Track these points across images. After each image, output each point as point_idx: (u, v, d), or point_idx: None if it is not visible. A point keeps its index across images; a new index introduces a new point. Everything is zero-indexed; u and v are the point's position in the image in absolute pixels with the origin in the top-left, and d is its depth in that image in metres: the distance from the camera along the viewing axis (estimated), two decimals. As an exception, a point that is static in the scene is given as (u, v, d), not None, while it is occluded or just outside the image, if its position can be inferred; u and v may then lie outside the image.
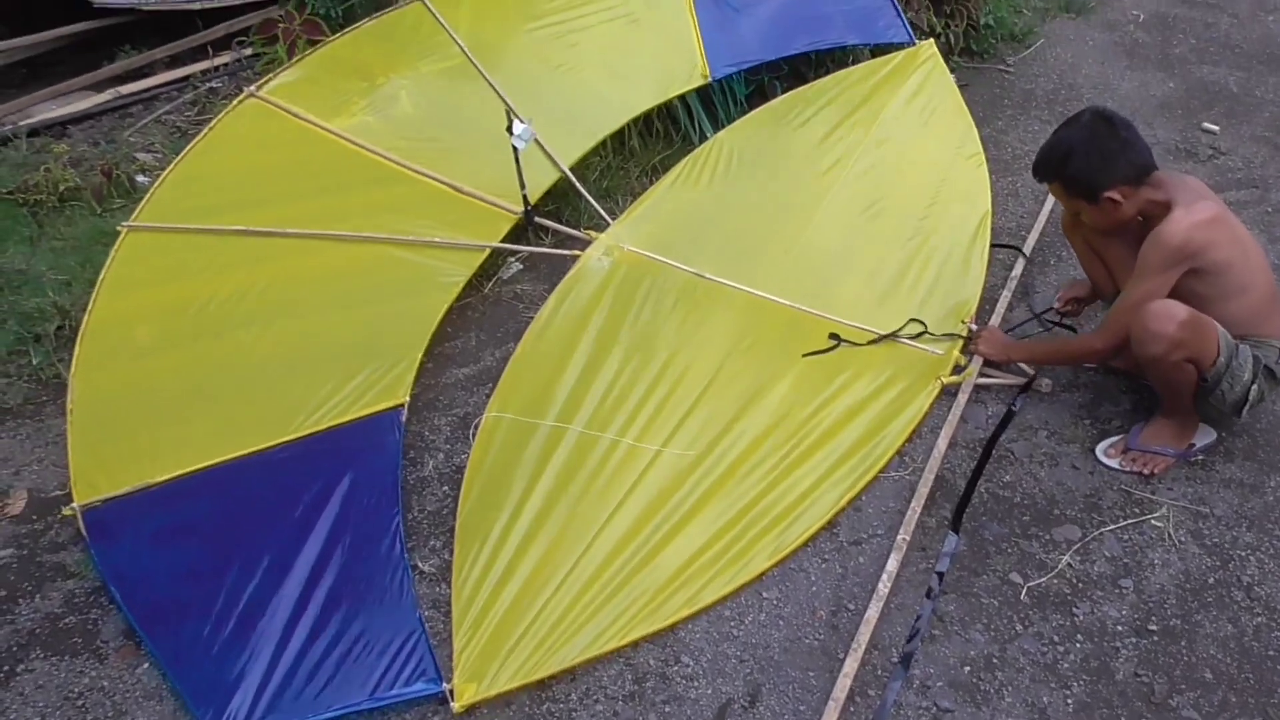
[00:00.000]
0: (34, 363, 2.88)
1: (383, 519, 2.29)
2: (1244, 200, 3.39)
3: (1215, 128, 3.82)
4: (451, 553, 2.26)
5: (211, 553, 2.27)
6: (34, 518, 2.47)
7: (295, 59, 3.58)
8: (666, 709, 1.99)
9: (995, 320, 2.87)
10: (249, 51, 4.29)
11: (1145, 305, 2.23)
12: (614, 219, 3.16)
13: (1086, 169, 2.29)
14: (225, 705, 1.98)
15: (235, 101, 3.38)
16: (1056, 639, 2.09)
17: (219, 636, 2.10)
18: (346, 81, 3.46)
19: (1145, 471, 2.41)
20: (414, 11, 3.63)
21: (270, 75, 3.47)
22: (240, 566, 2.22)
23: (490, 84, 3.40)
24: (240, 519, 2.34)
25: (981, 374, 2.67)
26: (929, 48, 3.75)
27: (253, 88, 3.40)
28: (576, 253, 3.04)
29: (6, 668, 2.11)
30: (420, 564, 2.29)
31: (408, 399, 2.55)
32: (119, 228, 3.05)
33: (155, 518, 2.34)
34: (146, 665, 2.11)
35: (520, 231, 3.20)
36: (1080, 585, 2.19)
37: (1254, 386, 2.30)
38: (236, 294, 2.85)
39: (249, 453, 2.45)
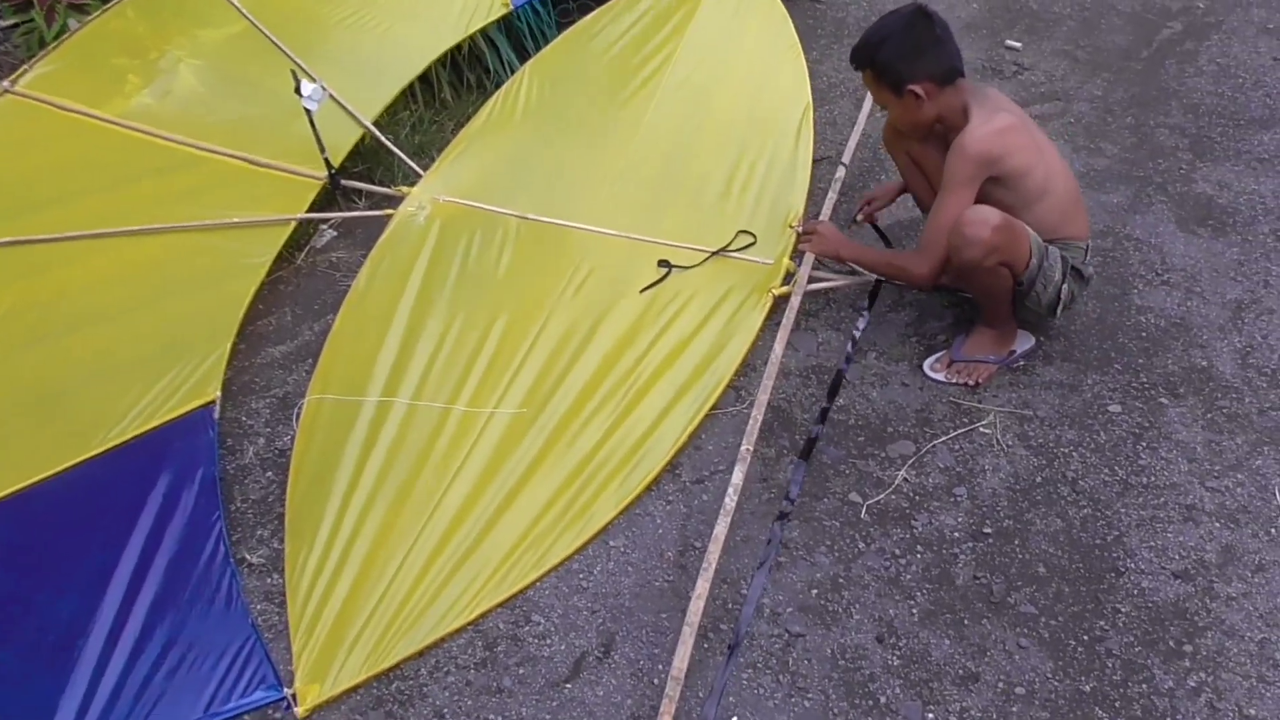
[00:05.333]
0: None
1: (203, 524, 2.15)
2: (1048, 113, 3.51)
3: (1018, 44, 3.93)
4: (280, 541, 2.14)
5: (15, 585, 2.09)
6: None
7: (52, 45, 3.25)
8: (521, 670, 1.94)
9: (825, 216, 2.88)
10: (6, 22, 3.89)
11: (959, 214, 2.27)
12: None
13: (896, 58, 2.33)
14: (39, 741, 1.82)
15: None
16: (898, 552, 2.13)
17: (30, 669, 1.93)
18: (116, 60, 3.17)
19: (970, 382, 2.48)
20: (183, -26, 3.36)
21: (25, 68, 3.14)
22: (49, 593, 2.05)
23: (277, 45, 3.18)
24: (46, 545, 2.16)
25: (811, 279, 2.66)
26: None
27: (5, 83, 3.06)
28: (390, 212, 2.89)
29: None
30: (248, 556, 2.16)
31: (218, 395, 2.38)
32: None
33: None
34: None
35: (330, 197, 3.03)
36: (917, 498, 2.24)
37: (1064, 286, 2.39)
38: (17, 311, 2.61)
39: (48, 475, 2.26)
